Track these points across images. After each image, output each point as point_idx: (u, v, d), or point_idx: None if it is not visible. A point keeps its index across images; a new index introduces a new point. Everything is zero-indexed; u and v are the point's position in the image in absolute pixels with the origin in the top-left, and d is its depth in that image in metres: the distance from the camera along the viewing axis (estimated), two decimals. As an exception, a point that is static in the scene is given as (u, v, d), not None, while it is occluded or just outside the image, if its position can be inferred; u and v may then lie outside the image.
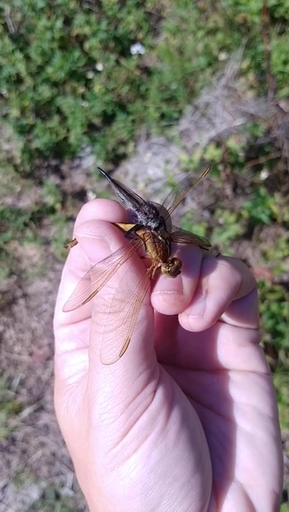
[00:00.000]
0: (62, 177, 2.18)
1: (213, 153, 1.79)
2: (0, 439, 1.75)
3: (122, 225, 0.40)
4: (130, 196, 0.43)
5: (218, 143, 1.86)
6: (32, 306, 1.97)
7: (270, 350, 1.67)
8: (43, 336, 1.91)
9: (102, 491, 0.39)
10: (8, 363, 1.88)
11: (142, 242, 0.41)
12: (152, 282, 0.40)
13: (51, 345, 1.88)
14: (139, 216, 0.42)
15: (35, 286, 2.00)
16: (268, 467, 0.42)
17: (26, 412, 1.78)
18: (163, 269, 0.39)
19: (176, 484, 0.38)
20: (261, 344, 0.49)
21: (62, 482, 1.69)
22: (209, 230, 1.87)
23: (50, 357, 1.87)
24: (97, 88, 2.07)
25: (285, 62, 1.95)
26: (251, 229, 1.95)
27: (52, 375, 1.82)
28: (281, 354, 1.66)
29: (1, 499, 1.65)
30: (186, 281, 0.39)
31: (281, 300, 1.72)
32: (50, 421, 1.77)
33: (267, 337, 1.65)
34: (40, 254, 2.04)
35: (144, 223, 0.41)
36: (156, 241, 0.40)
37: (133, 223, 0.41)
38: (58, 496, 1.66)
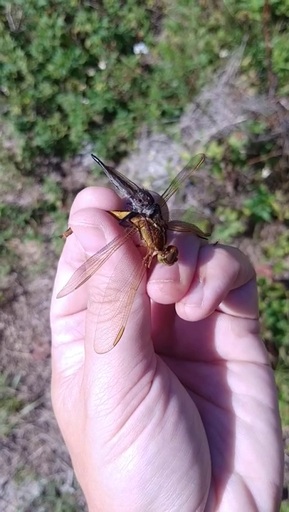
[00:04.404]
0: (63, 175, 2.17)
1: (215, 150, 1.79)
2: (0, 436, 1.74)
3: (116, 213, 0.39)
4: (124, 183, 0.43)
5: (220, 140, 1.85)
6: (33, 304, 1.97)
7: (270, 347, 1.66)
8: (43, 333, 1.91)
9: (99, 484, 0.38)
10: (8, 360, 1.88)
11: (137, 229, 0.40)
12: (148, 271, 0.39)
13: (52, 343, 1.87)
14: (133, 203, 0.41)
15: (35, 284, 1.99)
16: (268, 459, 0.41)
17: (27, 410, 1.78)
18: (159, 257, 0.38)
19: (174, 476, 0.37)
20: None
21: (62, 479, 1.68)
22: (210, 227, 1.87)
23: (50, 354, 1.86)
24: (99, 87, 2.07)
25: (286, 60, 1.94)
26: (252, 226, 1.94)
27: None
28: (282, 352, 1.66)
29: (1, 496, 1.65)
30: (183, 270, 0.38)
31: (282, 298, 1.71)
32: (51, 418, 1.76)
33: (267, 335, 1.65)
34: (40, 251, 2.04)
35: (138, 210, 0.40)
36: (152, 228, 0.39)
37: (128, 211, 0.40)
38: (58, 493, 1.66)
